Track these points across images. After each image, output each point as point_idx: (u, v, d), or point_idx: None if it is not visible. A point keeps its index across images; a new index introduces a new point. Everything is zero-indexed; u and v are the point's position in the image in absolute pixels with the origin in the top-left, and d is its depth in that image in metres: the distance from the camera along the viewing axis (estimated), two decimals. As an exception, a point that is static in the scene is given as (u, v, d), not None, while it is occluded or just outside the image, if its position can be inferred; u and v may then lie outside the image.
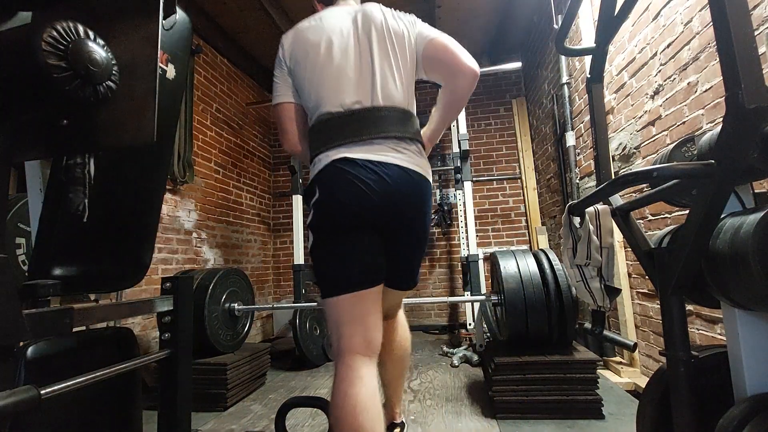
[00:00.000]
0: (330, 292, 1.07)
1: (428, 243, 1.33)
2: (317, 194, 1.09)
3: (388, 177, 1.05)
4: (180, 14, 1.12)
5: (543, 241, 3.64)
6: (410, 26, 1.19)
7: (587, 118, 2.60)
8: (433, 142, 1.31)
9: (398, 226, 1.12)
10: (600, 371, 2.06)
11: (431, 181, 1.18)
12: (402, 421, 1.48)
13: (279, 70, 1.24)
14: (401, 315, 1.43)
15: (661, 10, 1.81)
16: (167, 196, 2.82)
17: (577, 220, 1.22)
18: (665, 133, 1.83)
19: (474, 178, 3.98)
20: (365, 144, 1.06)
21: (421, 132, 1.23)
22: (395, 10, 1.21)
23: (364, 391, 0.96)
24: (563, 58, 2.93)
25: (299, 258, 3.26)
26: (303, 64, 1.17)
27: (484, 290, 2.99)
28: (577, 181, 2.83)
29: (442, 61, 1.15)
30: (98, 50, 0.74)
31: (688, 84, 1.65)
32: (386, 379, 1.41)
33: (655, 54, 1.87)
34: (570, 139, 2.87)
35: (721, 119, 0.70)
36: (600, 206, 1.17)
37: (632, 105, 2.12)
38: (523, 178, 4.05)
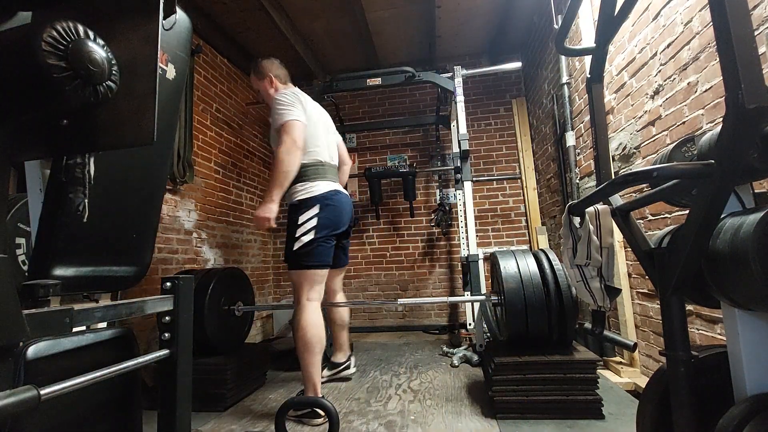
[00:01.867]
0: (314, 267, 1.88)
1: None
2: (318, 209, 1.88)
3: (346, 197, 2.05)
4: (180, 14, 1.12)
5: (543, 241, 3.64)
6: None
7: (587, 118, 2.60)
8: (343, 184, 2.22)
9: (348, 224, 2.05)
10: (600, 371, 2.07)
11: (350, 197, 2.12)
12: (346, 360, 2.43)
13: (298, 102, 1.89)
14: (341, 293, 2.39)
15: (661, 10, 1.81)
16: (167, 196, 2.82)
17: (577, 220, 1.22)
18: (665, 133, 1.83)
19: (474, 178, 3.98)
20: (335, 181, 2.03)
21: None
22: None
23: (316, 316, 1.88)
24: (563, 58, 2.93)
25: (299, 258, 3.26)
26: (310, 121, 1.95)
27: (484, 290, 2.99)
28: (577, 181, 2.83)
29: (341, 153, 2.27)
30: (98, 50, 0.74)
31: (688, 84, 1.65)
32: (333, 333, 2.38)
33: (655, 54, 1.87)
34: (570, 139, 2.87)
35: (721, 119, 0.70)
36: (600, 206, 1.17)
37: (632, 105, 2.11)
38: (523, 178, 4.05)
